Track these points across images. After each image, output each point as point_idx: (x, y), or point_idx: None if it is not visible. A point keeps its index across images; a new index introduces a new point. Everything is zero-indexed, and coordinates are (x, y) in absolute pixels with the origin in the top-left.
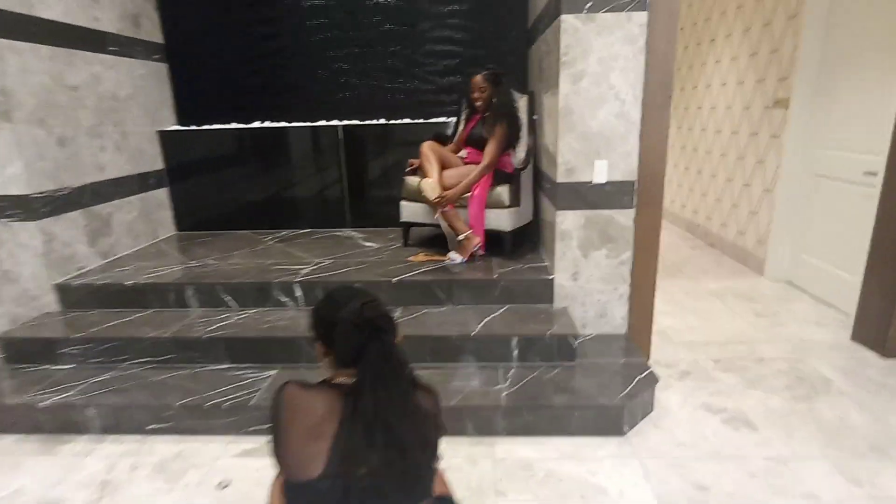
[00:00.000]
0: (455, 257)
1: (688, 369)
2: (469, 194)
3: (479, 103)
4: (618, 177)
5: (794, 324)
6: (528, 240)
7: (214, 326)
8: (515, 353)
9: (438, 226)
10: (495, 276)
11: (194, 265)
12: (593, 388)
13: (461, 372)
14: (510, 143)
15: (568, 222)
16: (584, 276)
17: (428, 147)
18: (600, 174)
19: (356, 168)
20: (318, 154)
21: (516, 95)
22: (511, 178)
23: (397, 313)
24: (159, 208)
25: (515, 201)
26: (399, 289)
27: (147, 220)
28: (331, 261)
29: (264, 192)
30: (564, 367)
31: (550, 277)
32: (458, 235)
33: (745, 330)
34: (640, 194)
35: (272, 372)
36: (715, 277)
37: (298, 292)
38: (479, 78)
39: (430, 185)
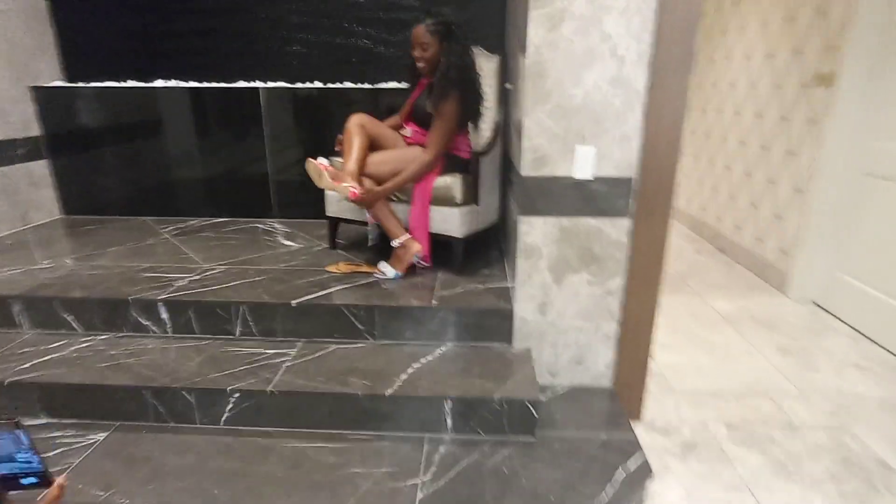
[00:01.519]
0: (387, 270)
1: (693, 439)
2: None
3: (421, 64)
4: (609, 171)
5: (829, 367)
6: (493, 248)
7: (34, 362)
8: (449, 421)
9: (376, 225)
10: (434, 301)
11: (44, 267)
12: (557, 487)
13: (367, 449)
14: (465, 119)
15: (535, 234)
16: (556, 309)
17: (355, 122)
18: (584, 167)
19: (283, 144)
20: (239, 125)
21: (481, 56)
22: (467, 166)
23: (294, 350)
24: (32, 186)
25: (471, 197)
26: (300, 315)
27: (11, 201)
28: (225, 267)
29: (175, 171)
30: (519, 446)
31: (509, 308)
32: (391, 240)
33: (768, 375)
34: (641, 197)
35: (100, 435)
36: (727, 294)
37: (164, 314)
38: (420, 29)
39: (320, 175)
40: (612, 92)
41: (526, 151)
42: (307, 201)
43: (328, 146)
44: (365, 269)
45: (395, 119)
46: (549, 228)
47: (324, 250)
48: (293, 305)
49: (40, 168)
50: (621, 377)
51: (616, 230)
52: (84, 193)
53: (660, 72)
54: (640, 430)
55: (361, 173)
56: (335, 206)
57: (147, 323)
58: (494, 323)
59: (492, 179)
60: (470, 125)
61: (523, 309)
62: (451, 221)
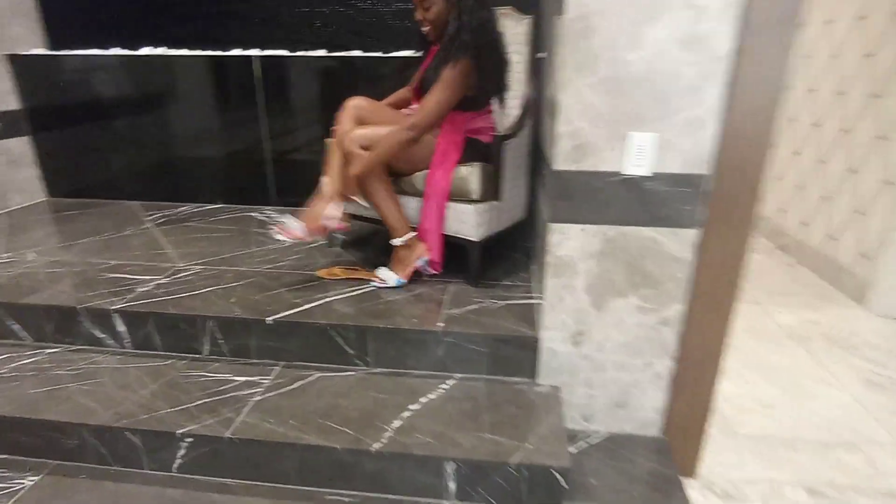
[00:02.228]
0: (388, 277)
1: None
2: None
3: (425, 27)
4: (674, 166)
5: None
6: (518, 250)
7: None
8: (452, 486)
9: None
10: (440, 323)
11: (0, 261)
12: None
13: None
14: (483, 91)
15: (570, 245)
16: (595, 340)
17: (352, 106)
18: (639, 159)
19: (283, 121)
20: (234, 98)
21: (509, 17)
22: (488, 154)
23: (269, 378)
24: (11, 166)
25: (492, 192)
26: (279, 335)
27: None
28: (200, 268)
29: (167, 150)
30: None
31: (533, 336)
32: (392, 237)
33: (855, 416)
34: (715, 201)
35: (29, 480)
36: (791, 304)
37: (120, 326)
38: None
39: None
40: (683, 57)
41: (561, 138)
42: (307, 188)
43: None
44: (362, 274)
45: (403, 93)
46: (589, 239)
47: (319, 247)
48: (268, 322)
49: (20, 146)
50: (674, 426)
51: (678, 244)
52: (69, 174)
53: (753, 29)
54: (695, 493)
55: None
56: None
57: (102, 336)
58: (515, 353)
59: (518, 169)
60: (495, 102)
61: (552, 338)
62: (466, 221)
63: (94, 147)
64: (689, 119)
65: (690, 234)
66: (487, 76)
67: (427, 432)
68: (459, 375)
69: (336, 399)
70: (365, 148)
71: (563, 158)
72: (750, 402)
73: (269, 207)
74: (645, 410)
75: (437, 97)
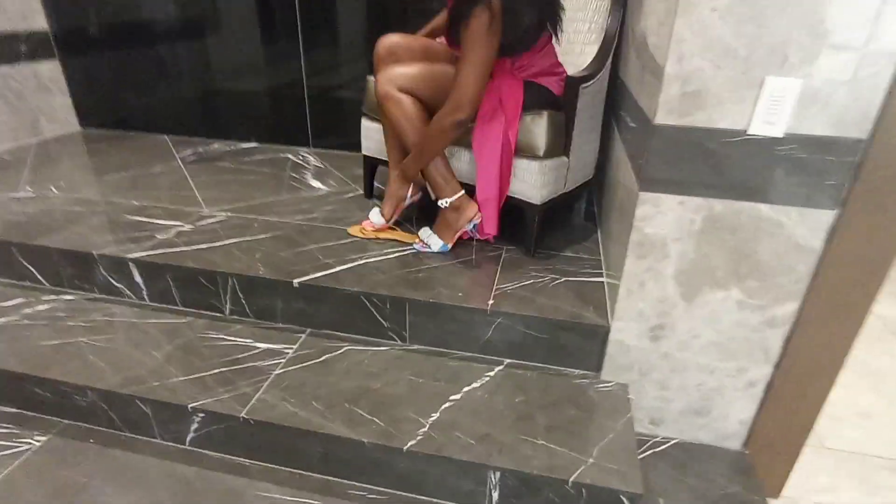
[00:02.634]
0: (432, 241)
1: None
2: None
3: None
4: (820, 126)
5: None
6: (581, 217)
7: None
8: (496, 496)
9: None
10: (491, 301)
11: (21, 196)
12: None
13: None
14: (521, 33)
15: (663, 221)
16: (678, 336)
17: (385, 48)
18: (775, 115)
19: (325, 55)
20: (275, 29)
21: None
22: (555, 100)
23: (294, 346)
24: (42, 91)
25: (559, 146)
26: (307, 298)
27: (14, 108)
28: (227, 215)
29: (206, 81)
30: None
31: (603, 325)
32: (437, 198)
33: None
34: (868, 175)
35: (37, 440)
36: (894, 293)
37: (137, 277)
38: None
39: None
40: None
41: (669, 82)
42: (349, 129)
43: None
44: (399, 236)
45: (440, 19)
46: (689, 215)
47: (357, 198)
48: (295, 285)
49: (50, 70)
50: (761, 441)
51: (807, 228)
52: (103, 103)
53: None
54: None
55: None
56: (374, 143)
57: (120, 286)
58: (577, 342)
59: (592, 120)
60: (549, 35)
61: (625, 330)
62: (527, 180)
63: (127, 75)
64: (854, 59)
65: (825, 218)
66: (519, 13)
67: (469, 431)
68: (509, 361)
69: (366, 380)
70: (405, 91)
71: (667, 110)
72: (843, 408)
73: (306, 149)
74: (727, 420)
75: (468, 66)
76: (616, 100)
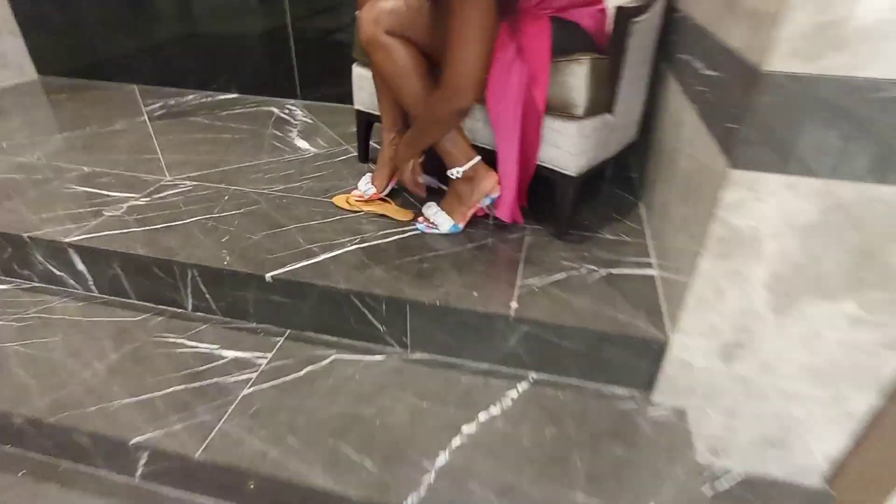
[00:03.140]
0: (440, 220)
1: None
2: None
3: None
4: None
5: None
6: (617, 184)
7: None
8: None
9: None
10: (514, 304)
11: None
12: None
13: None
14: None
15: (760, 211)
16: (762, 357)
17: (368, 28)
18: None
19: None
20: None
21: None
22: (591, 42)
23: (269, 354)
24: None
25: (600, 102)
26: (284, 294)
27: None
28: (193, 182)
29: (178, 25)
30: None
31: (660, 339)
32: (449, 168)
33: None
34: None
35: None
36: None
37: (79, 265)
38: None
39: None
40: None
41: (796, 7)
42: (342, 78)
43: None
44: (392, 211)
45: None
46: (799, 203)
47: (350, 162)
48: (268, 281)
49: None
50: (851, 478)
51: None
52: (63, 47)
53: None
54: None
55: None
56: (368, 94)
57: (62, 274)
58: (623, 356)
59: (641, 67)
60: None
61: (691, 346)
62: (562, 145)
63: (90, 15)
64: None
65: None
66: None
67: (488, 480)
68: (536, 376)
69: (357, 404)
70: (396, 34)
71: (788, 51)
72: None
73: (294, 101)
74: (810, 454)
75: (464, 28)
76: (672, 39)
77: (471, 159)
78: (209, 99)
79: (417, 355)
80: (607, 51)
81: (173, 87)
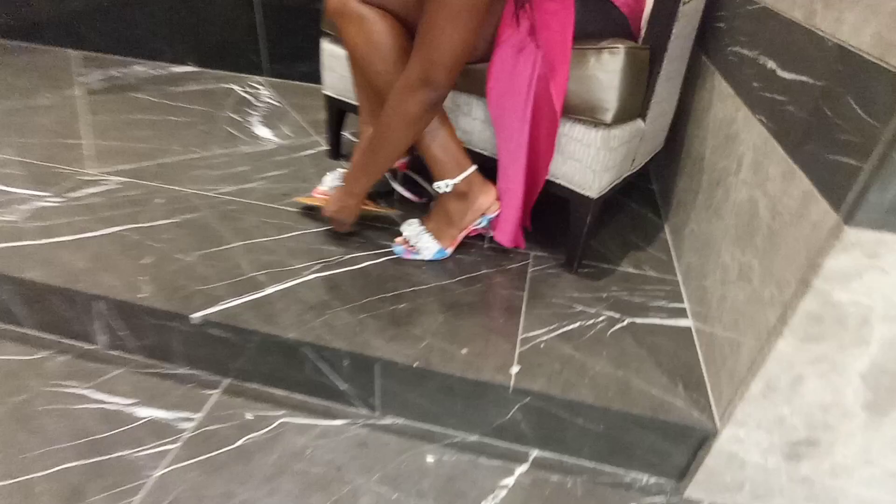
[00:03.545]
0: (422, 245)
1: None
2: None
3: None
4: None
5: None
6: (635, 200)
7: None
8: None
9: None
10: (514, 369)
11: None
12: None
13: None
14: None
15: (874, 284)
16: (836, 458)
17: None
18: None
19: None
20: None
21: None
22: (625, 27)
23: (196, 417)
24: None
25: (633, 105)
26: (215, 340)
27: None
28: (121, 179)
29: None
30: None
31: (707, 428)
32: (437, 179)
33: None
34: None
35: None
36: None
37: None
38: None
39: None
40: None
41: None
42: (317, 55)
43: None
44: (372, 208)
45: None
46: None
47: (318, 157)
48: (194, 322)
49: None
50: None
51: None
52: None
53: None
54: None
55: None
56: (340, 78)
57: None
58: (652, 441)
59: (679, 61)
60: None
61: (747, 440)
62: (584, 159)
63: None
64: None
65: None
66: None
67: None
68: (538, 455)
69: (306, 496)
70: (368, 1)
71: None
72: None
73: (259, 78)
74: None
75: (444, 4)
76: (720, 27)
77: (464, 170)
78: (161, 72)
79: (388, 420)
80: (646, 39)
81: (121, 55)
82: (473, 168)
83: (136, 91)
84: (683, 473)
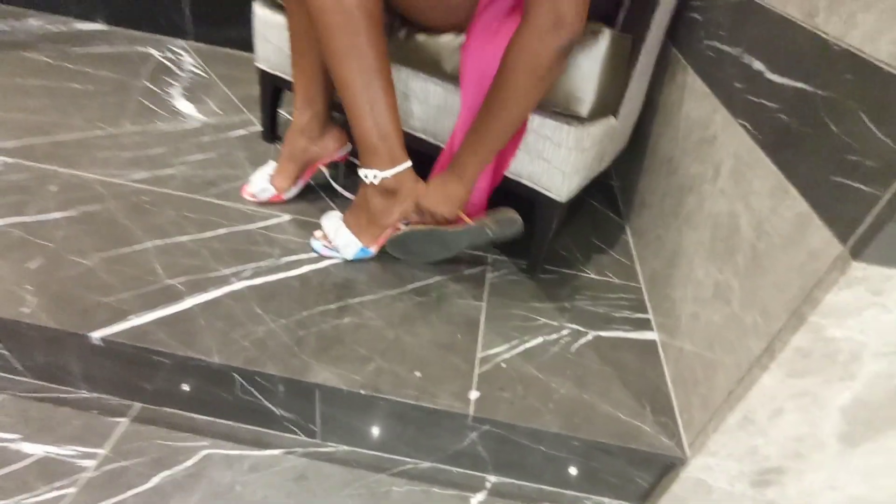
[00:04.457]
0: (341, 240)
1: None
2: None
3: None
4: None
5: None
6: (595, 197)
7: None
8: None
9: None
10: (472, 393)
11: None
12: None
13: None
14: None
15: (873, 321)
16: (803, 484)
17: None
18: None
19: None
20: None
21: None
22: (610, 15)
23: (103, 449)
24: None
25: (610, 99)
26: (123, 362)
27: None
28: (7, 160)
29: None
30: None
31: (675, 457)
32: (364, 165)
33: None
34: None
35: None
36: None
37: None
38: None
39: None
40: None
41: None
42: (240, 15)
43: None
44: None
45: None
46: None
47: (251, 138)
48: (95, 343)
49: None
50: None
51: None
52: None
53: None
54: None
55: None
56: (275, 50)
57: None
58: (617, 467)
59: (652, 54)
60: None
61: (716, 468)
62: (553, 159)
63: None
64: None
65: None
66: None
67: None
68: (496, 481)
69: None
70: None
71: None
72: None
73: (183, 42)
74: None
75: None
76: (693, 18)
77: (397, 164)
78: (62, 28)
79: (331, 447)
80: (626, 26)
81: (12, 4)
82: (408, 164)
83: (29, 49)
84: (646, 497)
